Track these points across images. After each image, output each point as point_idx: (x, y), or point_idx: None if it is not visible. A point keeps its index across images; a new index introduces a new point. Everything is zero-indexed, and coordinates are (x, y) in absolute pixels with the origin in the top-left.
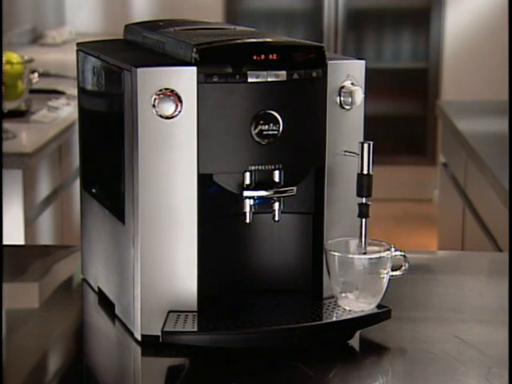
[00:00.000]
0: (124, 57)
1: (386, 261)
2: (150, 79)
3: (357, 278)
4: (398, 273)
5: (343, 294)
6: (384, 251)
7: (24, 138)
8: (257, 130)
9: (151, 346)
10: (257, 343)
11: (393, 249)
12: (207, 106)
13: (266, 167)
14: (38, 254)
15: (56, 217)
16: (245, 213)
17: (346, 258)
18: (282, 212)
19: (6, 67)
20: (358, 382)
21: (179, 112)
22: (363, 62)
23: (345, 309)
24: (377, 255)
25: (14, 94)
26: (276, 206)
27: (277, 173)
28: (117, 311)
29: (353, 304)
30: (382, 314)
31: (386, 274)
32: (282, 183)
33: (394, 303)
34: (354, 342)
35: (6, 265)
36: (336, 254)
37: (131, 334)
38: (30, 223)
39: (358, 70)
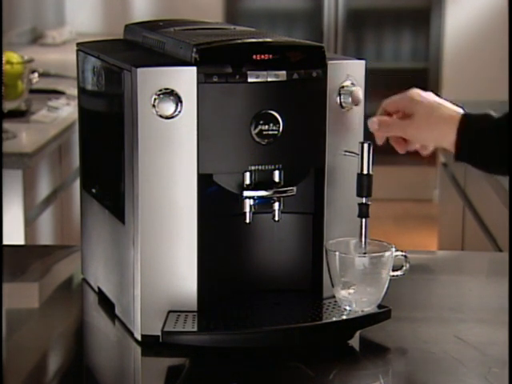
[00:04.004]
0: (124, 57)
1: (387, 261)
2: (150, 79)
3: (357, 278)
4: (398, 273)
5: (343, 294)
6: (385, 251)
7: (24, 137)
8: (257, 130)
9: (151, 345)
10: (257, 343)
11: (393, 249)
12: (207, 106)
13: (266, 167)
14: (38, 253)
15: (56, 217)
16: (245, 213)
17: (346, 257)
18: (281, 212)
19: (6, 67)
20: (358, 382)
21: (179, 112)
22: (363, 62)
23: (345, 309)
24: (377, 255)
25: (14, 94)
26: (276, 205)
27: (277, 173)
28: (117, 311)
29: (353, 304)
30: (381, 314)
31: (386, 274)
32: (282, 183)
33: (393, 303)
34: (354, 342)
35: (5, 265)
36: (337, 253)
37: (131, 334)
38: (30, 223)
39: (358, 70)
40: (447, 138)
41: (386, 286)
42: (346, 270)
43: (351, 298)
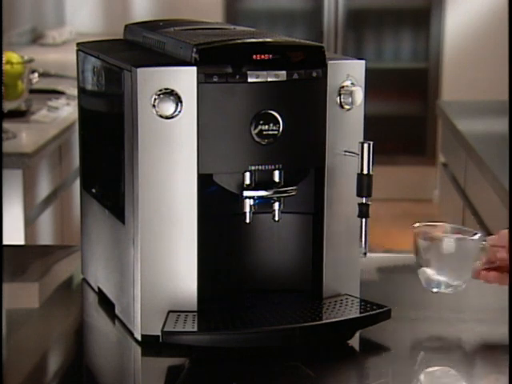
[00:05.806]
0: (124, 57)
1: (474, 245)
2: (150, 79)
3: (445, 261)
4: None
5: (431, 276)
6: (472, 236)
7: (24, 138)
8: (257, 130)
9: (151, 346)
10: (257, 343)
11: (478, 234)
12: (207, 106)
13: (266, 167)
14: (38, 253)
15: (56, 217)
16: (245, 213)
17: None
18: (281, 212)
19: (6, 67)
20: (358, 382)
21: (179, 112)
22: (363, 62)
23: (346, 309)
24: (466, 238)
25: (14, 94)
26: (276, 205)
27: (277, 173)
28: (117, 311)
29: (441, 286)
30: (381, 314)
31: (471, 259)
32: (282, 183)
33: (393, 303)
34: (354, 342)
35: (6, 265)
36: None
37: (131, 334)
38: (30, 223)
39: (358, 69)
40: None
41: (471, 269)
42: (432, 254)
43: (440, 280)
